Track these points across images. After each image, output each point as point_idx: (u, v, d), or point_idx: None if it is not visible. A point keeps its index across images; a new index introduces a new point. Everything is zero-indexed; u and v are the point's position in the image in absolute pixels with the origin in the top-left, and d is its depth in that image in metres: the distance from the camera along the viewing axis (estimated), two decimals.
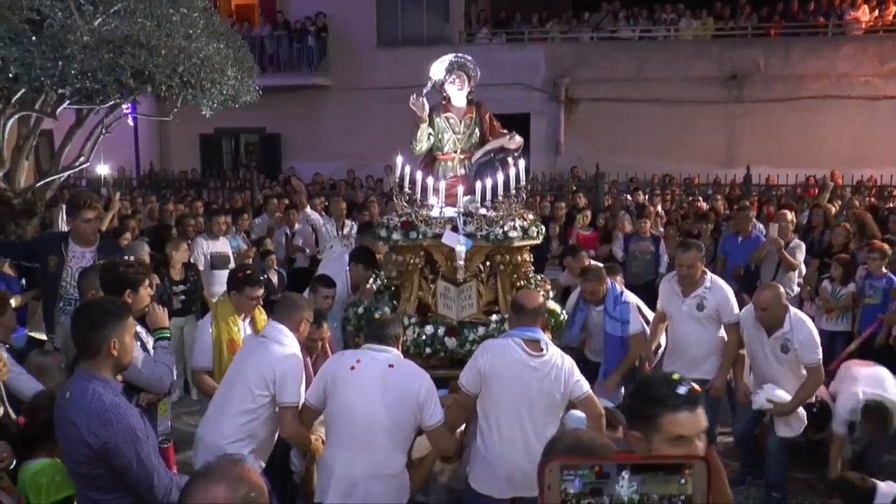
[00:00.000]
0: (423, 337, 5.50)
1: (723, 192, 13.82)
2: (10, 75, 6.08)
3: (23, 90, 6.13)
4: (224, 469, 1.93)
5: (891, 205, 11.48)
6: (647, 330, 6.35)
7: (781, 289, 5.70)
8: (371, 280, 6.39)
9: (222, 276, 8.42)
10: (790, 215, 8.97)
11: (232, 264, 8.61)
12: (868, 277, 7.73)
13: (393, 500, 4.09)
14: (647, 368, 6.24)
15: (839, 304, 7.90)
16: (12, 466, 3.56)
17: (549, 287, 6.30)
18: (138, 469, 3.06)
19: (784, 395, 5.52)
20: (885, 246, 7.89)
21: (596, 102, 19.17)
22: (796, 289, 8.62)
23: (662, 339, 6.51)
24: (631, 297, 6.33)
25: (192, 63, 6.90)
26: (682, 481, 1.75)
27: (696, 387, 2.39)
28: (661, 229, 10.55)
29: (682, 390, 2.33)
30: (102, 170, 9.46)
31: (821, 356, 5.54)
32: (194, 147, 21.01)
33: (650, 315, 6.57)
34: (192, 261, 8.12)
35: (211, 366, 5.07)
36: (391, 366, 4.17)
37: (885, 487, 4.39)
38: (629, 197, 13.28)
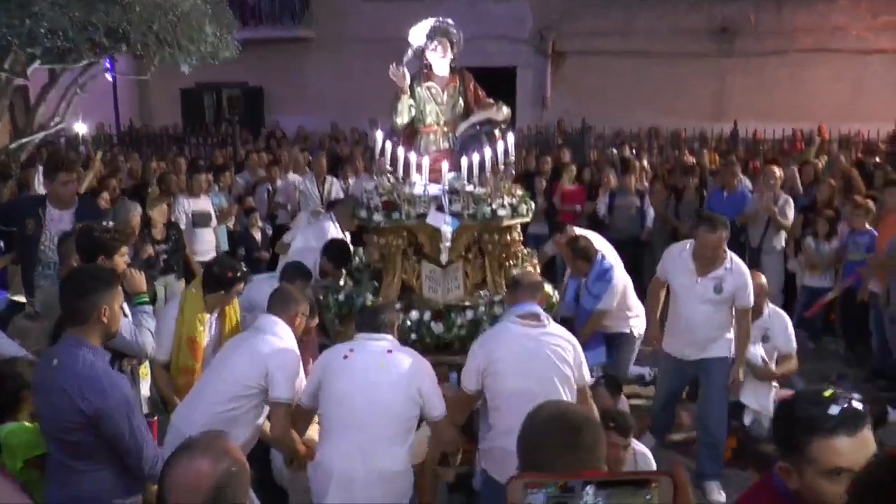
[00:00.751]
0: (409, 323, 5.20)
1: (710, 147, 13.73)
2: None
3: None
4: (207, 443, 1.93)
5: (877, 160, 11.40)
6: (615, 305, 6.22)
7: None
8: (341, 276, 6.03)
9: (204, 234, 8.42)
10: (778, 171, 8.92)
11: (214, 222, 8.57)
12: (852, 233, 7.74)
13: (399, 498, 3.85)
14: (654, 345, 5.97)
15: (823, 260, 7.92)
16: None
17: (535, 262, 6.09)
18: (130, 439, 3.07)
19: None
20: (869, 202, 7.88)
21: (583, 55, 18.92)
22: (782, 243, 8.64)
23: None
24: (618, 279, 6.22)
25: (168, 20, 6.72)
26: (648, 496, 1.74)
27: (858, 405, 2.01)
28: (647, 184, 10.52)
29: (835, 410, 1.95)
30: (80, 128, 9.30)
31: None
32: (175, 102, 20.70)
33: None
34: (173, 220, 8.04)
35: (167, 359, 4.73)
36: (389, 352, 3.96)
37: None
38: (615, 151, 13.21)
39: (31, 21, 5.72)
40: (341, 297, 5.51)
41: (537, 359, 3.94)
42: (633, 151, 13.24)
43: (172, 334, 4.70)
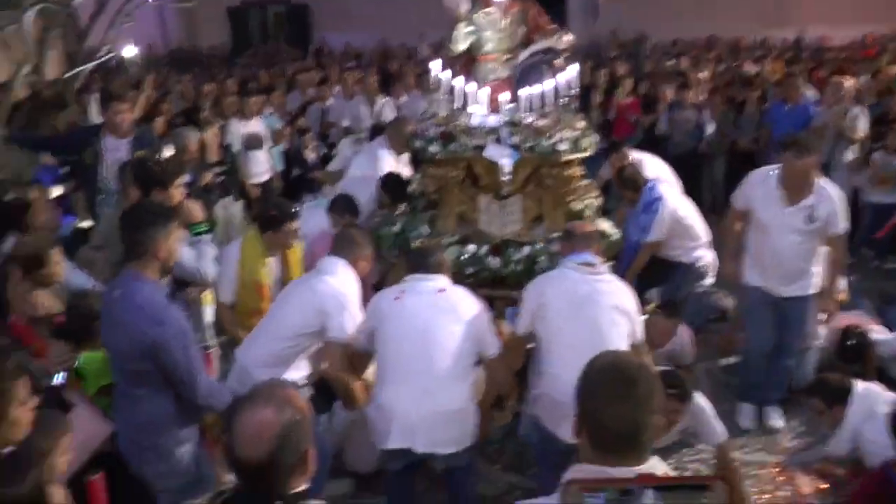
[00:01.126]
0: (465, 256, 5.12)
1: (772, 56, 13.19)
2: None
3: None
4: (270, 393, 1.96)
5: None
6: (664, 234, 5.88)
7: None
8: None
9: (258, 156, 8.45)
10: (848, 82, 8.47)
11: (268, 143, 8.58)
12: None
13: (459, 442, 3.79)
14: (733, 279, 5.54)
15: (892, 174, 7.63)
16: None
17: (596, 194, 5.82)
18: (184, 369, 3.17)
19: None
20: None
21: None
22: (850, 156, 8.18)
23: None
24: (667, 208, 5.83)
25: None
26: (704, 499, 1.76)
27: None
28: (704, 97, 10.21)
29: None
30: (129, 51, 9.27)
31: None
32: (222, 20, 20.56)
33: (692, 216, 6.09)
34: (226, 143, 8.07)
35: (232, 300, 4.77)
36: (441, 290, 3.91)
37: (861, 386, 4.35)
38: (671, 63, 12.82)
39: None
40: (397, 228, 5.45)
41: (591, 304, 3.81)
42: (692, 63, 12.79)
43: (235, 277, 4.72)
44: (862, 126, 8.06)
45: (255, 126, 8.51)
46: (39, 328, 3.64)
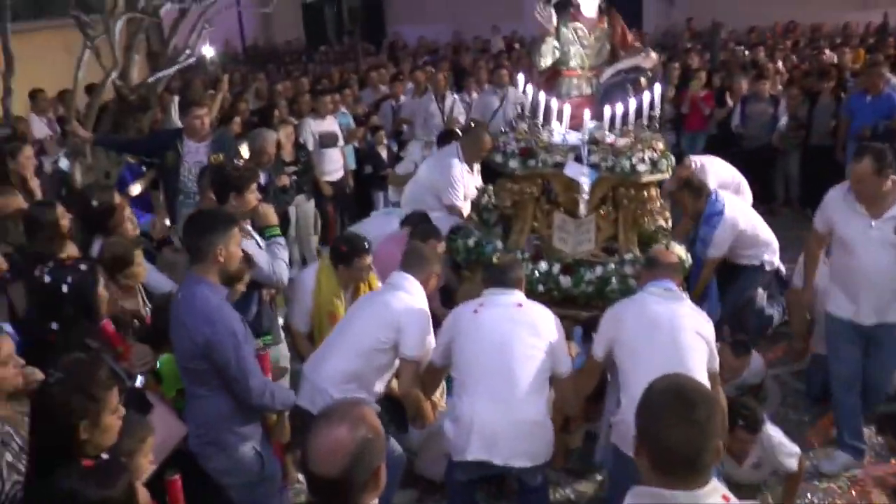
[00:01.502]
0: (537, 274, 5.12)
1: (852, 43, 12.73)
2: None
3: None
4: (344, 411, 2.02)
5: None
6: (727, 248, 5.70)
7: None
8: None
9: (332, 154, 8.62)
10: None
11: (341, 142, 8.74)
12: None
13: (535, 456, 3.80)
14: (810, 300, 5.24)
15: None
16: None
17: (668, 215, 5.80)
18: (236, 369, 3.29)
19: None
20: None
21: None
22: None
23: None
24: (727, 222, 5.62)
25: None
26: None
27: None
28: (781, 87, 9.96)
29: None
30: (208, 51, 9.60)
31: None
32: (297, 15, 20.90)
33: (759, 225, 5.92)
34: (301, 141, 8.25)
35: (308, 330, 4.87)
36: (519, 305, 3.96)
37: None
38: (747, 53, 12.50)
39: None
40: (471, 242, 5.46)
41: (670, 327, 3.75)
42: (768, 52, 12.46)
43: (310, 308, 4.81)
44: None
45: (330, 124, 8.69)
46: (123, 330, 3.80)
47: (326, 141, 8.57)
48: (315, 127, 8.56)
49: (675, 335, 3.74)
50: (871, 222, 4.46)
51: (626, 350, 3.81)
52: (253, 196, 4.48)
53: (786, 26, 15.61)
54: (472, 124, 7.62)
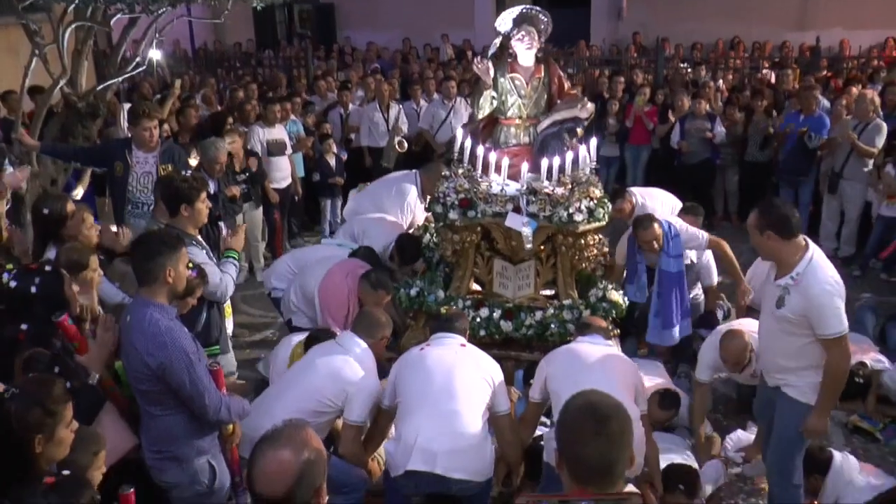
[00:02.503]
0: (479, 320, 5.28)
1: (790, 62, 13.15)
2: None
3: (75, 2, 6.21)
4: (289, 434, 2.12)
5: None
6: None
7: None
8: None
9: (280, 162, 8.67)
10: (870, 94, 8.50)
11: (289, 150, 8.79)
12: None
13: (479, 472, 3.93)
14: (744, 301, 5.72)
15: None
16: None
17: (605, 259, 6.06)
18: (191, 388, 3.34)
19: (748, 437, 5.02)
20: None
21: None
22: (867, 168, 8.14)
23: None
24: (682, 229, 5.83)
25: None
26: None
27: None
28: (720, 104, 10.29)
29: None
30: (155, 55, 9.54)
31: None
32: (247, 18, 20.75)
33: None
34: (249, 148, 8.28)
35: None
36: (462, 345, 4.24)
37: (839, 457, 4.46)
38: (689, 70, 12.87)
39: None
40: (413, 292, 5.56)
41: (598, 359, 4.07)
42: (708, 70, 12.82)
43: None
44: (879, 140, 8.03)
45: (279, 132, 8.74)
46: (80, 326, 3.80)
47: (274, 149, 8.62)
48: (263, 135, 8.61)
49: (604, 362, 4.06)
50: (772, 283, 4.03)
51: (557, 380, 4.05)
52: (204, 205, 4.56)
53: (729, 42, 16.05)
54: (434, 152, 7.70)
